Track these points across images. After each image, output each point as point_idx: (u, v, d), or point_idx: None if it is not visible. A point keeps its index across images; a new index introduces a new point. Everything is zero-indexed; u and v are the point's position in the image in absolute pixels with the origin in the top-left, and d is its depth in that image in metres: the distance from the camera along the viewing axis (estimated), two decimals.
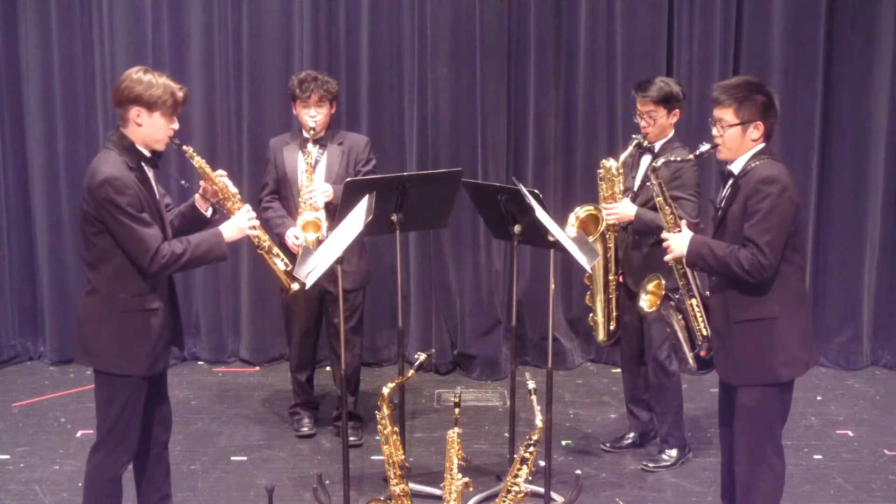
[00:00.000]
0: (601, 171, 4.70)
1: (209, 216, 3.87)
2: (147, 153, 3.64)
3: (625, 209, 4.63)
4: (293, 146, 5.00)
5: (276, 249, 4.06)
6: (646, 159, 4.69)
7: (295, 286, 4.12)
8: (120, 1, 6.12)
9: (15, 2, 6.12)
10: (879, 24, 6.13)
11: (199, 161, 3.79)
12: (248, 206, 3.85)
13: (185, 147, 3.76)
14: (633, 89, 4.74)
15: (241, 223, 3.79)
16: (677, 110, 4.67)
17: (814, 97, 6.20)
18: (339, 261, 4.01)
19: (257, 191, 5.24)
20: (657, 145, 4.67)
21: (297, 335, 5.15)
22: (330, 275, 4.19)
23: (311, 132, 4.87)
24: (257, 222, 3.86)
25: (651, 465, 4.85)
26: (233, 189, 3.85)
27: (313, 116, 4.87)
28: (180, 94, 3.63)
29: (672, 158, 4.15)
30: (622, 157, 4.70)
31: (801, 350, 3.63)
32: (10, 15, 6.13)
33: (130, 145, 3.60)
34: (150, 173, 3.65)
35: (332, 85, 4.93)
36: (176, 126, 3.67)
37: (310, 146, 4.91)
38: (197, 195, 3.87)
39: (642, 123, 4.66)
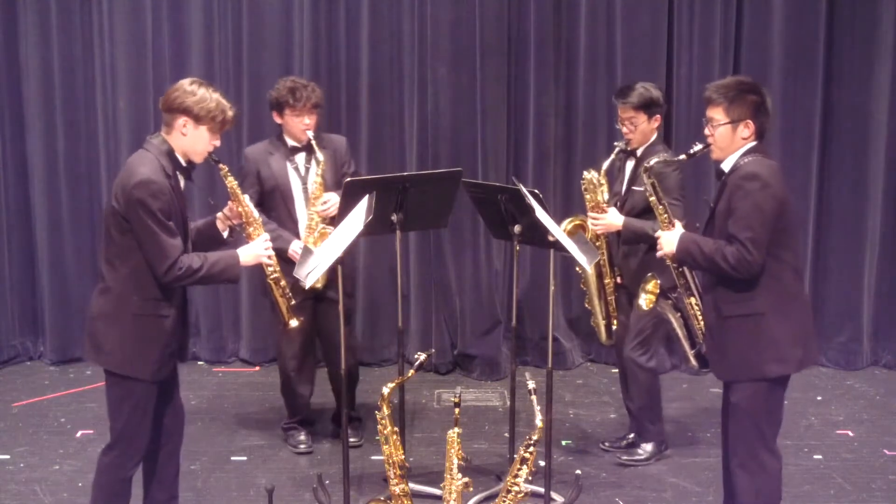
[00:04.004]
0: (583, 182, 4.72)
1: (225, 237, 3.88)
2: (183, 162, 3.64)
3: (612, 219, 4.63)
4: (278, 156, 4.85)
5: (283, 282, 4.02)
6: (630, 165, 4.72)
7: (294, 323, 4.08)
8: (120, 1, 6.13)
9: (15, 2, 6.12)
10: (879, 25, 6.14)
11: (231, 182, 3.79)
12: (267, 235, 3.86)
13: (221, 165, 3.75)
14: (613, 96, 4.77)
15: (258, 250, 3.79)
16: (658, 115, 4.68)
17: (814, 97, 6.20)
18: (340, 261, 4.01)
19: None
20: (640, 150, 4.68)
21: (296, 348, 4.97)
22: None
23: (314, 140, 4.77)
24: (273, 252, 3.86)
25: (626, 458, 4.87)
26: (256, 215, 3.87)
27: (308, 125, 4.77)
28: (230, 114, 3.64)
29: (666, 158, 4.16)
30: (604, 165, 4.73)
31: (794, 347, 3.62)
32: (10, 15, 6.14)
33: (170, 151, 3.60)
34: (181, 183, 3.66)
35: (320, 91, 4.85)
36: (218, 143, 3.67)
37: (299, 156, 4.84)
38: (219, 214, 3.87)
39: (624, 129, 4.68)
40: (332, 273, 4.29)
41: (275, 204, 4.86)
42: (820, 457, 4.99)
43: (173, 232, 3.53)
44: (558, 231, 4.15)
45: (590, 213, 4.71)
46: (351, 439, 5.08)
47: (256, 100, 6.19)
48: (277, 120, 4.86)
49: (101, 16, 6.13)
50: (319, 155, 4.76)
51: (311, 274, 3.98)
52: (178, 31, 6.17)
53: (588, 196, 4.72)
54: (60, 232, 6.32)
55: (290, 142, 4.86)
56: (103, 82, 6.18)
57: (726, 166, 3.65)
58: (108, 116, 6.21)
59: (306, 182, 4.84)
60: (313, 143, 4.77)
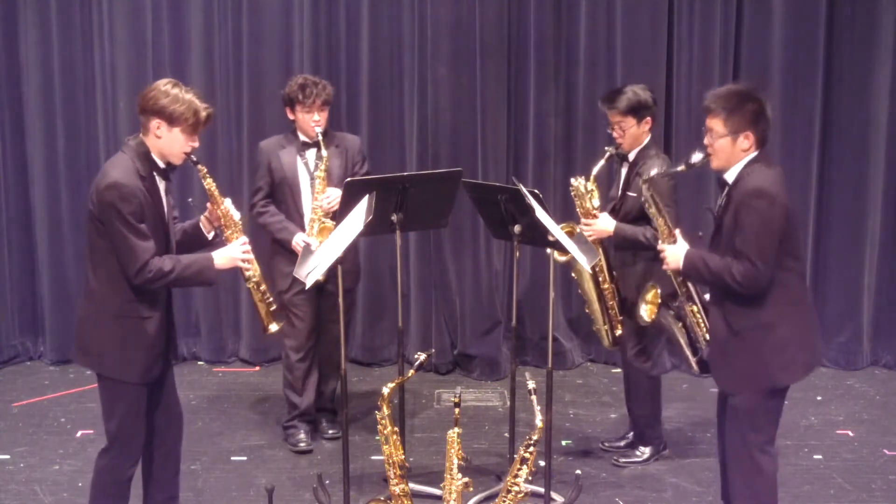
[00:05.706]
0: (572, 189, 4.68)
1: (210, 238, 3.87)
2: (161, 164, 3.63)
3: (603, 225, 4.61)
4: (290, 150, 4.94)
5: (263, 286, 3.98)
6: (626, 169, 4.70)
7: (273, 327, 4.05)
8: (120, 1, 6.12)
9: (15, 2, 6.12)
10: (879, 26, 6.13)
11: (209, 183, 3.77)
12: (245, 238, 3.82)
13: (199, 166, 3.73)
14: (600, 101, 4.76)
15: (233, 253, 3.77)
16: (649, 118, 4.64)
17: (813, 98, 6.20)
18: (340, 261, 4.01)
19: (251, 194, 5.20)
20: (632, 154, 4.66)
21: (301, 339, 5.01)
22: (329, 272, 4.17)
23: (323, 138, 4.82)
24: (251, 256, 3.83)
25: (622, 460, 4.87)
26: (236, 217, 3.85)
27: (318, 121, 4.84)
28: (203, 114, 3.60)
29: (666, 170, 4.12)
30: (594, 170, 4.68)
31: (801, 353, 3.63)
32: (10, 15, 6.13)
33: (146, 153, 3.59)
34: (160, 184, 3.65)
35: (330, 88, 4.92)
36: (196, 143, 3.65)
37: (310, 151, 4.89)
38: (202, 216, 3.87)
39: (614, 134, 4.67)
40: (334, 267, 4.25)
41: (283, 196, 4.94)
42: (820, 457, 4.99)
43: (144, 235, 3.52)
44: (558, 231, 4.15)
45: (582, 220, 4.69)
46: (329, 431, 5.16)
47: (257, 100, 6.19)
48: (290, 116, 4.94)
49: (101, 16, 6.13)
50: (324, 151, 4.83)
51: (311, 274, 3.98)
52: (178, 31, 6.16)
53: (578, 203, 4.68)
54: (60, 232, 6.32)
55: (303, 137, 4.92)
56: (103, 82, 6.18)
57: (730, 177, 3.62)
58: (108, 116, 6.21)
59: (314, 177, 4.87)
60: (320, 139, 4.83)
